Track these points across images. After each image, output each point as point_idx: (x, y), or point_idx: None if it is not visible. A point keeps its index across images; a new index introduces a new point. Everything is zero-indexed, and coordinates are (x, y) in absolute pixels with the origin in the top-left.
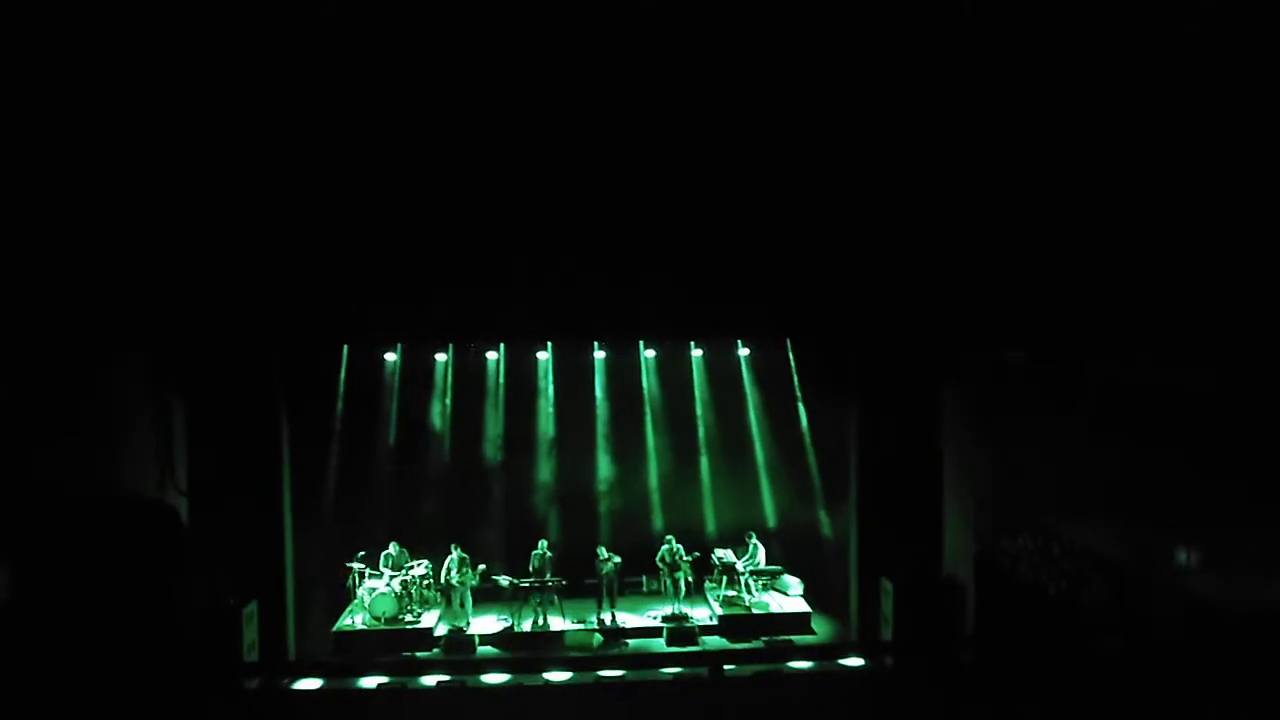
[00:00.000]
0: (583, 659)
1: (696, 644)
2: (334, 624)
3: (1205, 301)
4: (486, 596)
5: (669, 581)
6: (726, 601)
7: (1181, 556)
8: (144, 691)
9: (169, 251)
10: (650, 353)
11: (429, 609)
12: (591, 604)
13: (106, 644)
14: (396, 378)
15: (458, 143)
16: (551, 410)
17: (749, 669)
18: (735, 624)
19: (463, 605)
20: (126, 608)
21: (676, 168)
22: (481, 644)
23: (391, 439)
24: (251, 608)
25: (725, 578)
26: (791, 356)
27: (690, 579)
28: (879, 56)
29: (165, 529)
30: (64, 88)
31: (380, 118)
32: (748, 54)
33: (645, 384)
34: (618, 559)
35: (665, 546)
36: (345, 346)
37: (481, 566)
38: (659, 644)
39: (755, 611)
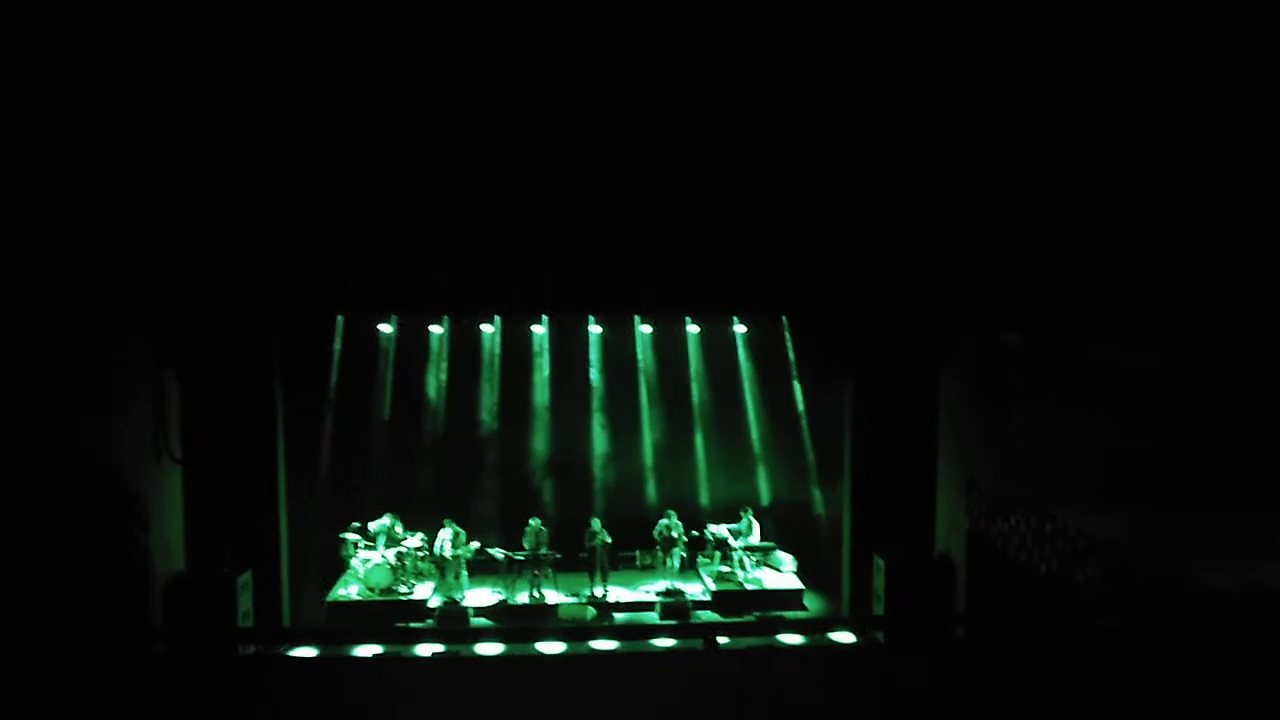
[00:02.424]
0: (576, 631)
1: (689, 619)
2: (328, 594)
3: (1205, 285)
4: (481, 569)
5: (663, 556)
6: (720, 577)
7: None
8: (93, 655)
9: (164, 225)
10: (646, 328)
11: (423, 580)
12: (586, 577)
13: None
14: (392, 350)
15: (455, 115)
16: (547, 384)
17: (741, 643)
18: (728, 599)
19: (457, 577)
20: (72, 571)
21: (679, 147)
22: (475, 616)
23: (386, 411)
24: (246, 577)
25: (719, 553)
26: (788, 334)
27: (684, 554)
28: (876, 47)
29: (110, 492)
30: (61, 69)
31: (375, 92)
32: (749, 40)
33: (640, 359)
34: (608, 538)
35: (664, 521)
36: (340, 318)
37: (475, 544)
38: (652, 618)
39: (748, 587)
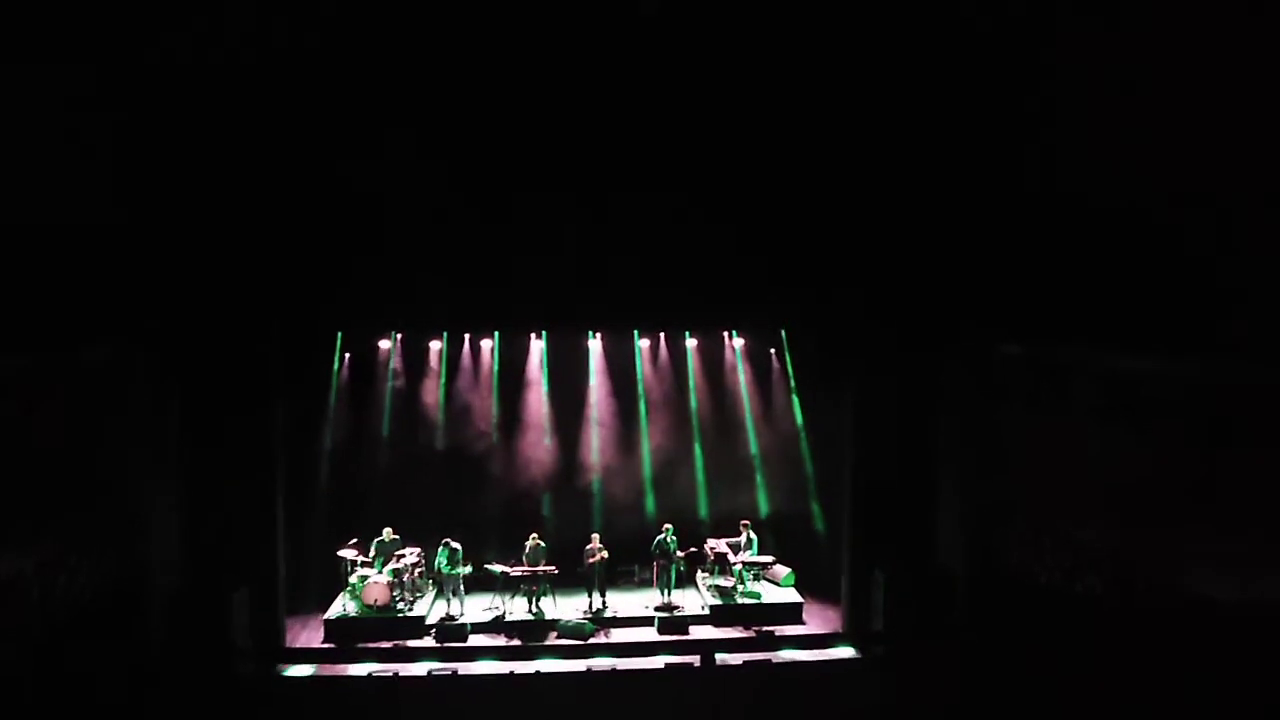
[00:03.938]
0: (574, 647)
1: (687, 634)
2: (326, 611)
3: (1205, 295)
4: (479, 585)
5: (662, 571)
6: (718, 591)
7: None
8: None
9: (168, 244)
10: (644, 342)
11: (421, 597)
12: (584, 592)
13: None
14: (391, 365)
15: (455, 122)
16: (546, 398)
17: (740, 658)
18: (727, 614)
19: (455, 593)
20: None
21: (680, 157)
22: (473, 632)
23: (385, 427)
24: (243, 594)
25: (717, 568)
26: (787, 347)
27: (682, 569)
28: (869, 59)
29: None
30: (61, 76)
31: (378, 109)
32: (748, 52)
33: (639, 372)
34: (605, 553)
35: (660, 536)
36: (339, 334)
37: (468, 568)
38: (650, 633)
39: (747, 601)
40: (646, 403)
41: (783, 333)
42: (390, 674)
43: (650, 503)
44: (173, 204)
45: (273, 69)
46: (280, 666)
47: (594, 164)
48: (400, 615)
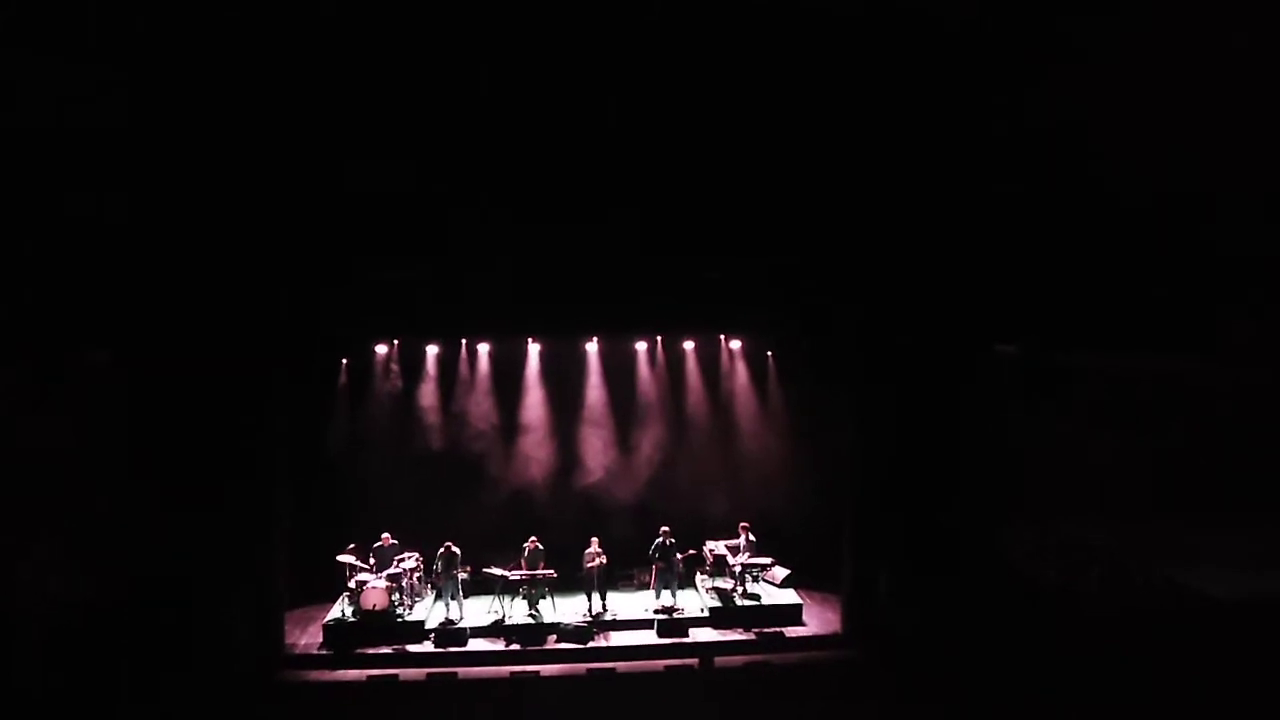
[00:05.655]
0: (574, 650)
1: (687, 636)
2: (325, 616)
3: (1205, 295)
4: (478, 589)
5: (661, 574)
6: (718, 594)
7: None
8: None
9: (166, 250)
10: (642, 344)
11: (420, 601)
12: (583, 596)
13: None
14: (389, 369)
15: (456, 129)
16: (543, 401)
17: (739, 660)
18: (726, 616)
19: (454, 597)
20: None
21: (685, 160)
22: (473, 636)
23: (383, 431)
24: (242, 597)
25: (716, 570)
26: (786, 348)
27: (681, 571)
28: (871, 69)
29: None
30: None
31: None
32: (751, 58)
33: (637, 375)
34: (604, 558)
35: (659, 540)
36: (339, 338)
37: (467, 572)
38: (650, 636)
39: (747, 603)
40: (644, 405)
41: (782, 334)
42: (389, 678)
43: (649, 505)
44: (172, 205)
45: (273, 70)
46: (279, 670)
47: (591, 171)
48: (399, 620)
